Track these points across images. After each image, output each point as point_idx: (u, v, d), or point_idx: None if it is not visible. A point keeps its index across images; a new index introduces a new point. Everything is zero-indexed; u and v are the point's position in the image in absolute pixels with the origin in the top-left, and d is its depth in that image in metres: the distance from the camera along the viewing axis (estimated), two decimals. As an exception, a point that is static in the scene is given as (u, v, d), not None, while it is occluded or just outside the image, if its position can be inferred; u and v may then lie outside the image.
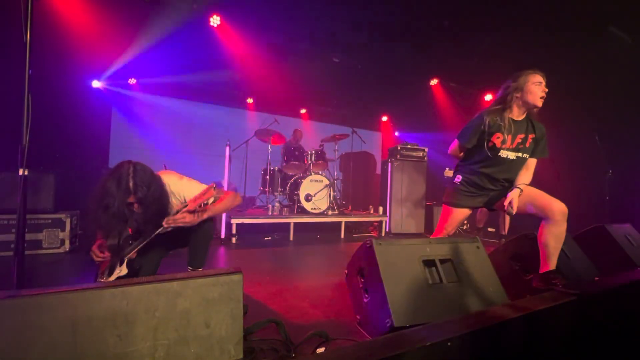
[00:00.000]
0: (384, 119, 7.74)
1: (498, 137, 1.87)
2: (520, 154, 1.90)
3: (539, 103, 1.85)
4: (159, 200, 1.70)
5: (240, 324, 1.12)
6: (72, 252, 3.28)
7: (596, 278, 2.06)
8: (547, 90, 1.86)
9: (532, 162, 1.95)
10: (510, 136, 1.87)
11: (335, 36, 4.55)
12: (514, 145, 1.89)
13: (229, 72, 5.15)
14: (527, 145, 1.91)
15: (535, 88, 1.84)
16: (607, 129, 4.06)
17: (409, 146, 5.46)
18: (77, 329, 0.92)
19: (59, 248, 3.20)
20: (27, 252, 3.00)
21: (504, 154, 1.88)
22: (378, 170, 6.62)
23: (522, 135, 1.89)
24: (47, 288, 0.95)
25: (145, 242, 1.75)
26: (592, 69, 4.23)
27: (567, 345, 1.49)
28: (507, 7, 3.72)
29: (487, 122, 1.87)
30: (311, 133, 6.96)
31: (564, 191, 4.46)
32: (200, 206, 1.75)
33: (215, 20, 4.21)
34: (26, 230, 2.99)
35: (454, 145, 2.08)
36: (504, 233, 3.93)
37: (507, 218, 3.93)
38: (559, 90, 4.62)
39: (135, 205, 1.64)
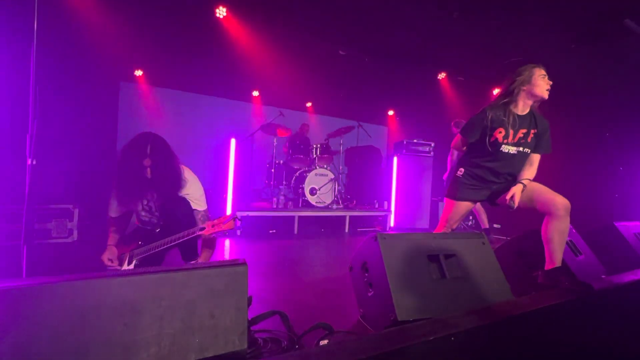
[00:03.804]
0: (390, 113, 7.67)
1: (500, 132, 1.90)
2: (521, 149, 1.93)
3: (546, 95, 1.90)
4: (171, 174, 1.76)
5: (244, 315, 1.13)
6: (80, 241, 3.33)
7: (603, 276, 2.04)
8: (551, 82, 1.90)
9: (535, 158, 1.98)
10: (512, 131, 1.90)
11: (342, 28, 4.49)
12: (515, 140, 1.91)
13: (235, 64, 5.13)
14: (529, 140, 1.93)
15: (541, 81, 1.88)
16: (618, 126, 3.98)
17: (415, 141, 5.41)
18: (85, 317, 0.94)
19: (67, 238, 3.25)
20: (36, 242, 3.07)
21: (505, 148, 1.91)
22: (383, 165, 6.59)
23: (525, 130, 1.92)
24: (55, 276, 0.97)
25: (154, 251, 1.78)
26: (606, 64, 4.13)
27: (573, 343, 1.48)
28: (518, 1, 3.63)
29: (489, 117, 1.91)
30: (317, 126, 6.92)
31: (574, 188, 4.41)
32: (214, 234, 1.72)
33: (221, 12, 4.18)
34: (35, 220, 3.06)
35: (457, 140, 2.13)
36: (486, 227, 3.99)
37: (484, 213, 4.04)
38: (571, 86, 4.55)
39: (149, 170, 1.68)
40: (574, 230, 2.37)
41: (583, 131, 4.43)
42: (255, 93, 6.40)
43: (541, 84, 1.87)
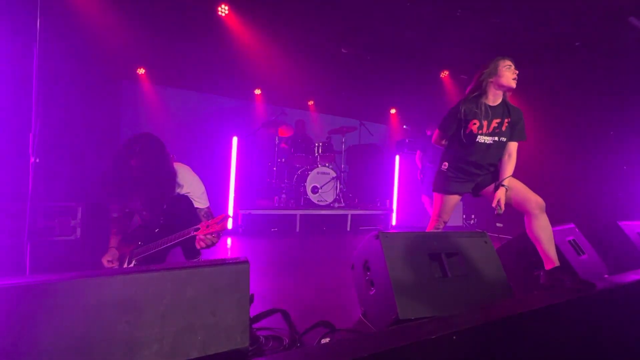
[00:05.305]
0: (393, 111, 7.65)
1: (474, 124, 1.94)
2: (496, 138, 1.97)
3: (513, 84, 1.94)
4: (159, 174, 1.73)
5: (246, 313, 1.13)
6: (84, 239, 3.34)
7: (606, 275, 2.03)
8: (517, 72, 1.95)
9: (513, 147, 2.01)
10: (486, 122, 1.94)
11: (344, 27, 4.47)
12: (490, 130, 1.95)
13: (237, 62, 5.12)
14: (504, 129, 1.97)
15: (507, 71, 1.93)
16: (622, 125, 3.95)
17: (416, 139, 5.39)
18: (88, 315, 0.94)
19: (70, 236, 3.27)
20: (39, 239, 3.09)
21: (481, 139, 1.96)
22: (385, 163, 6.58)
23: (498, 120, 1.96)
24: (58, 274, 0.97)
25: (154, 251, 1.78)
26: (610, 62, 4.09)
27: (575, 342, 1.47)
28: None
29: (462, 111, 1.96)
30: (319, 125, 6.92)
31: (578, 187, 4.39)
32: (211, 235, 1.65)
33: (223, 10, 4.18)
34: (39, 217, 3.08)
35: (436, 135, 2.18)
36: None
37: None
38: (574, 85, 4.51)
39: (136, 171, 1.68)
40: (576, 230, 2.36)
41: (586, 130, 4.39)
42: (257, 91, 6.40)
43: (507, 75, 1.92)
